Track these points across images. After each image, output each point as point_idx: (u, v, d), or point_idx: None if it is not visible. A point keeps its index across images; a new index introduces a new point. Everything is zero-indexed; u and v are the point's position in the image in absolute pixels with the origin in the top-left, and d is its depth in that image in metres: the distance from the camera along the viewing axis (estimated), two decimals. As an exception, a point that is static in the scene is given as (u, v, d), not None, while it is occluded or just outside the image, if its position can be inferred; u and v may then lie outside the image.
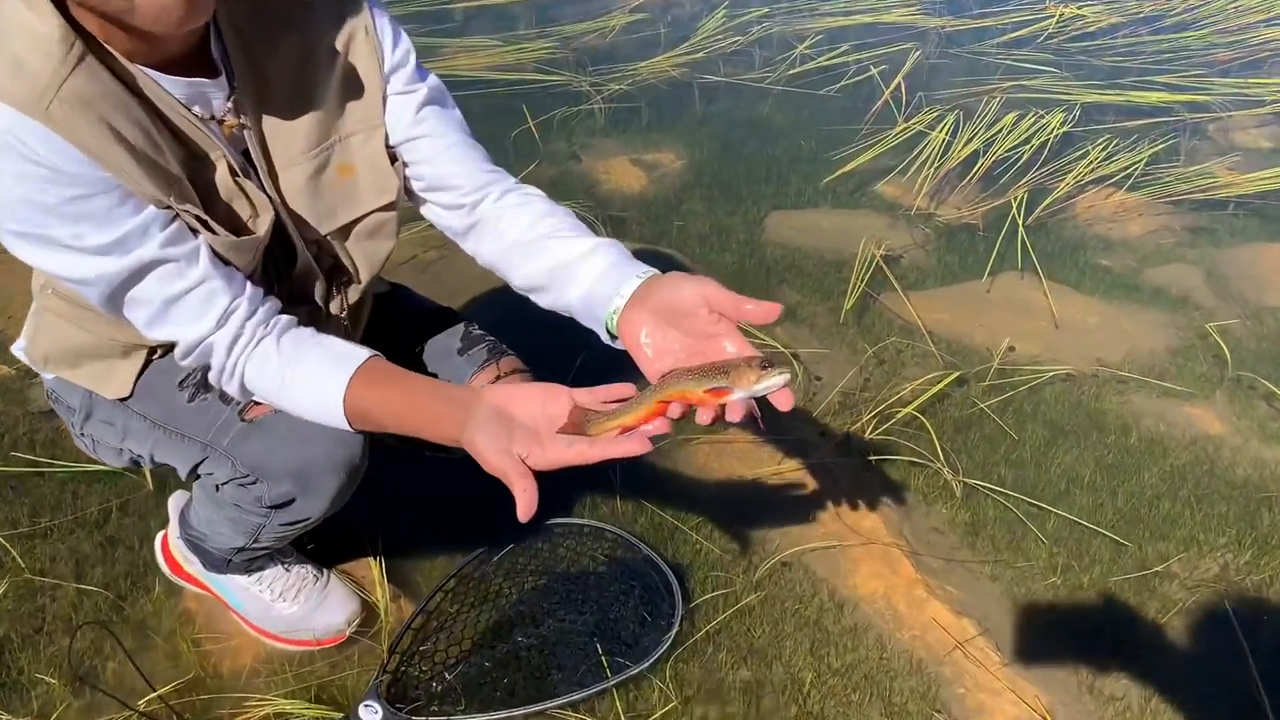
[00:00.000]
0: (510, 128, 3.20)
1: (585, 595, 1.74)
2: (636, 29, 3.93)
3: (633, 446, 1.06)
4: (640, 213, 2.87)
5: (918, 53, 3.75)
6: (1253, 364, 2.43)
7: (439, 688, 1.58)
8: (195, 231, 1.12)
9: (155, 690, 1.56)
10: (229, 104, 1.14)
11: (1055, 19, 4.02)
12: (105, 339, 1.32)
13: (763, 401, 1.02)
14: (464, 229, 1.34)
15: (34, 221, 1.03)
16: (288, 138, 1.21)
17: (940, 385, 2.23)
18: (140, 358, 1.35)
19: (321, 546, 1.74)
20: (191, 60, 1.11)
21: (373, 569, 1.72)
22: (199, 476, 1.39)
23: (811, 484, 1.99)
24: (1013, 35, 3.97)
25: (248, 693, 1.57)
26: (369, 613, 1.69)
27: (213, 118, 1.13)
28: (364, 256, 1.33)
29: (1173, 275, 2.76)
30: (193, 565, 1.69)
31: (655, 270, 1.17)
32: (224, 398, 1.31)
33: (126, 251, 1.07)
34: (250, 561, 1.60)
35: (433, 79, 1.30)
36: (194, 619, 1.68)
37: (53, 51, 1.00)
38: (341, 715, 1.54)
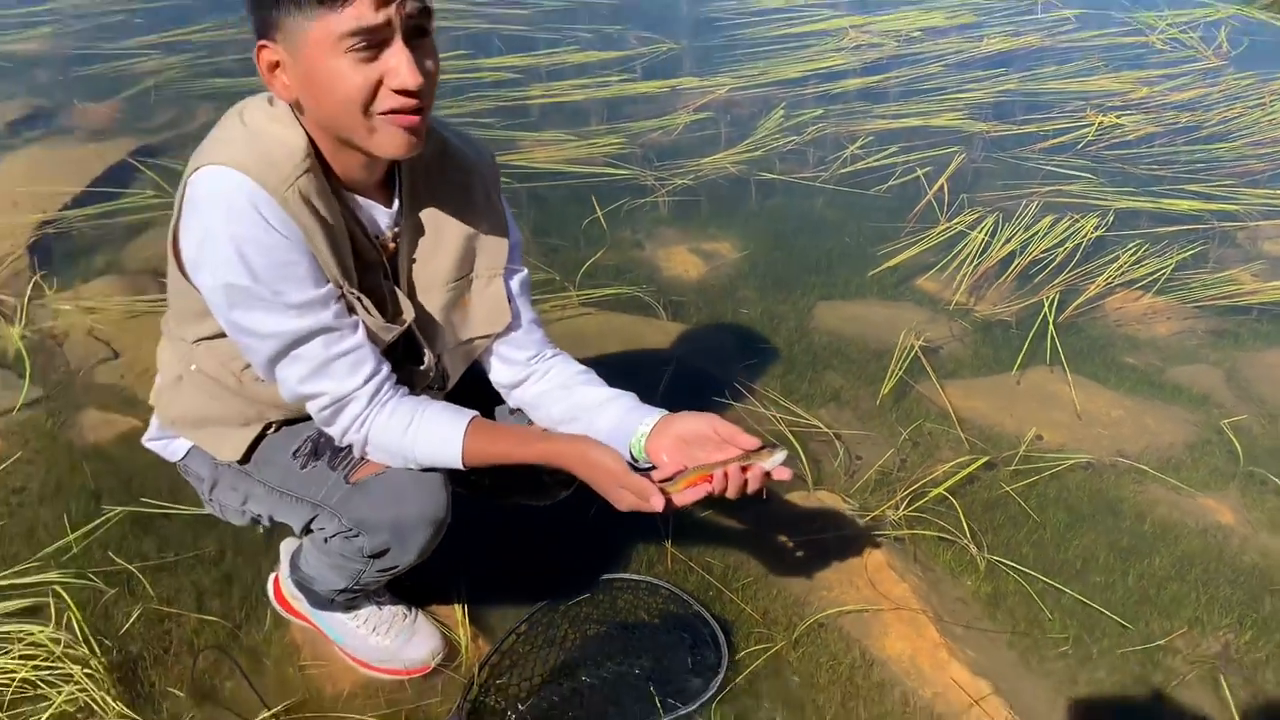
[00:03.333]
0: (581, 216, 3.49)
1: (641, 643, 1.96)
2: (699, 128, 4.22)
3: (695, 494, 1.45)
4: (698, 298, 3.13)
5: (962, 156, 4.00)
6: (1266, 461, 2.61)
7: (512, 716, 1.81)
8: (353, 311, 1.42)
9: (268, 708, 1.80)
10: (395, 229, 1.46)
11: (1094, 127, 4.26)
12: (232, 411, 1.60)
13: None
14: (510, 381, 1.71)
15: (248, 275, 1.34)
16: (433, 269, 1.55)
17: (970, 469, 2.44)
18: (254, 430, 1.62)
19: (412, 589, 1.98)
20: (374, 187, 1.45)
21: (456, 611, 1.96)
22: (311, 531, 1.65)
23: (848, 553, 2.20)
24: (1053, 141, 4.21)
25: (347, 713, 1.80)
26: (451, 648, 1.91)
27: (377, 236, 1.43)
28: (462, 362, 1.67)
29: (1195, 375, 2.95)
30: (300, 603, 1.93)
31: (666, 411, 1.56)
32: (331, 464, 1.58)
33: (309, 314, 1.39)
34: (350, 601, 1.84)
35: (526, 270, 1.69)
36: (300, 648, 1.92)
37: (294, 156, 1.34)
38: (428, 736, 1.77)
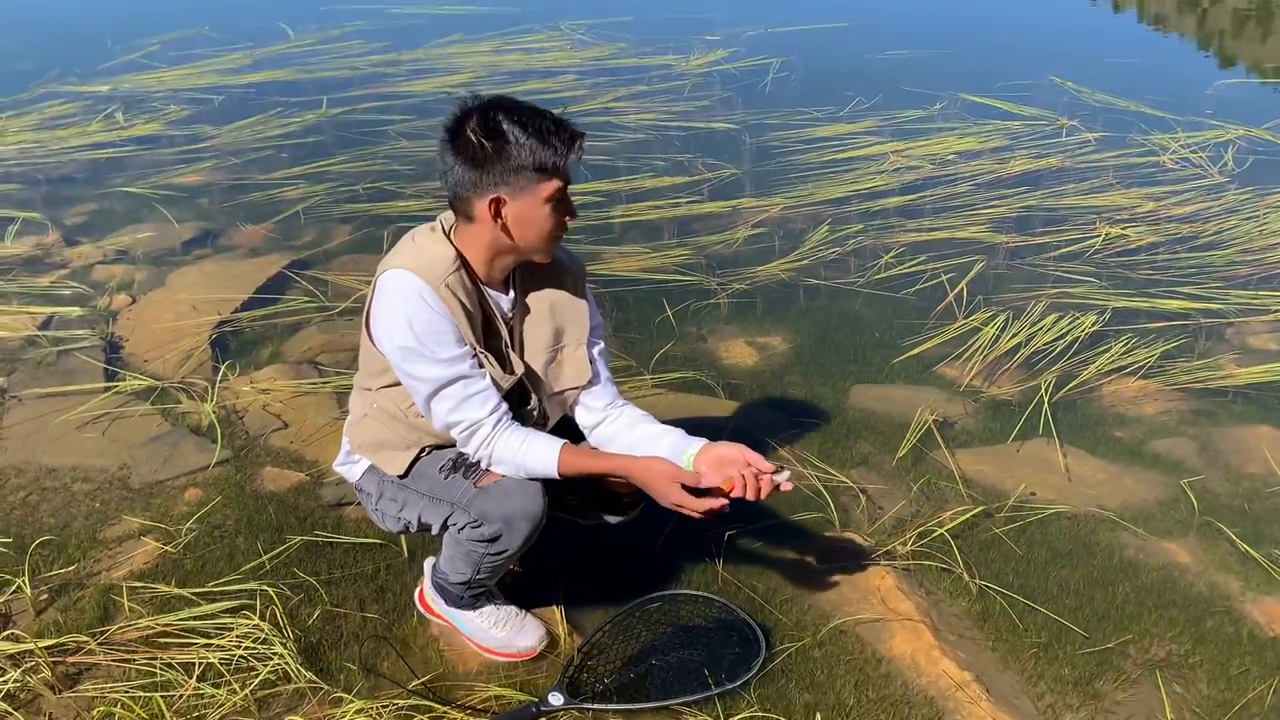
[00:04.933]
0: (654, 315, 4.15)
1: (699, 639, 2.52)
2: (756, 240, 4.87)
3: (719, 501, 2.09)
4: (752, 382, 3.75)
5: (982, 263, 4.59)
6: (1224, 515, 3.11)
7: (600, 688, 2.38)
8: (482, 365, 2.11)
9: (417, 678, 2.40)
10: (511, 311, 2.17)
11: (1102, 238, 4.82)
12: (399, 437, 2.26)
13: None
14: (591, 424, 2.38)
15: (415, 339, 2.03)
16: (537, 338, 2.26)
17: (969, 515, 2.99)
18: (414, 452, 2.27)
19: (523, 596, 2.58)
20: (499, 284, 2.18)
21: (556, 613, 2.56)
22: (448, 528, 2.27)
23: (865, 578, 2.76)
24: (1064, 250, 4.76)
25: (476, 683, 2.39)
26: (553, 640, 2.50)
27: (501, 315, 2.15)
28: (559, 409, 2.35)
29: (1172, 446, 3.46)
30: (438, 604, 2.52)
31: (709, 440, 2.23)
32: (465, 475, 2.21)
33: (453, 364, 2.08)
34: (475, 599, 2.45)
35: (604, 344, 2.37)
36: (437, 639, 2.52)
37: (447, 262, 2.08)
38: (537, 699, 2.34)
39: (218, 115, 6.52)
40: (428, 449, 2.27)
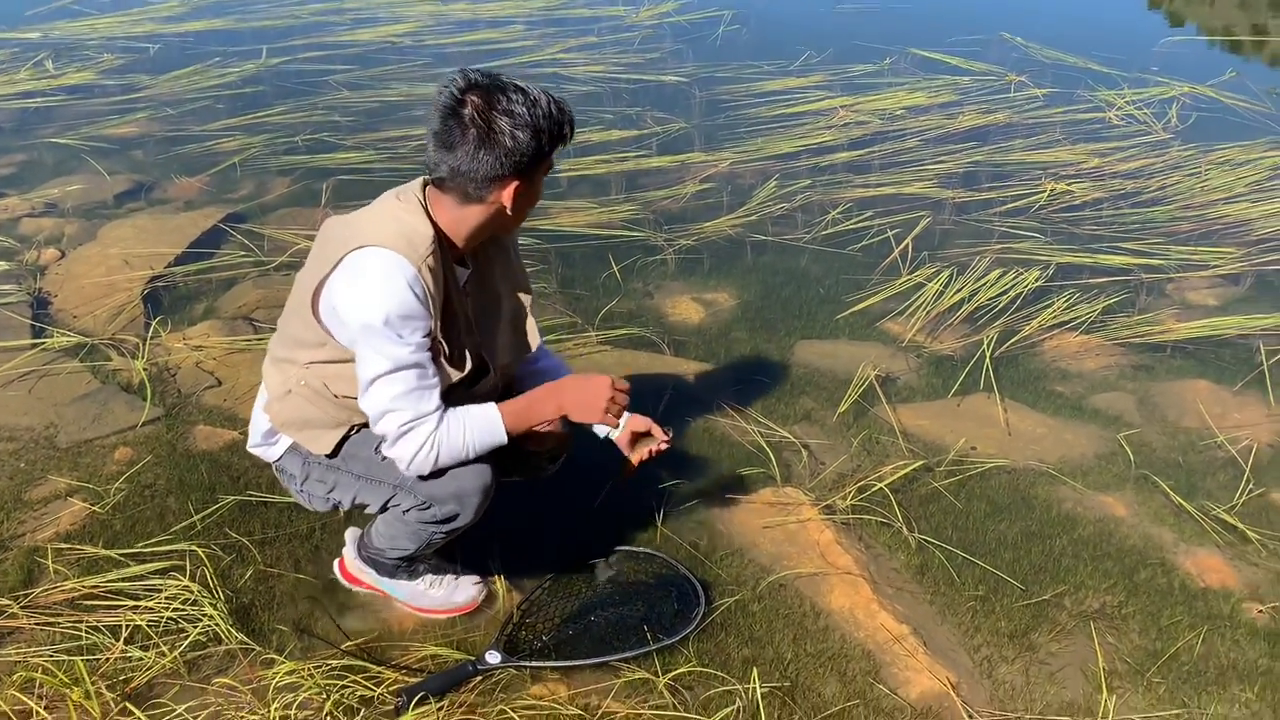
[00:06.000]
0: (600, 271, 4.10)
1: (639, 595, 2.51)
2: (704, 196, 4.83)
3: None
4: (697, 338, 3.72)
5: (928, 219, 4.59)
6: (1160, 469, 3.16)
7: (538, 645, 2.36)
8: (437, 358, 2.05)
9: (351, 639, 2.36)
10: (466, 285, 2.14)
11: (1047, 193, 4.84)
12: (328, 416, 2.17)
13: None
14: (522, 374, 2.39)
15: (389, 320, 1.93)
16: (492, 314, 2.24)
17: (909, 469, 3.00)
18: (341, 431, 2.19)
19: (461, 554, 2.55)
20: (462, 258, 2.13)
21: (495, 571, 2.53)
22: (388, 509, 2.22)
23: (805, 533, 2.76)
24: (1010, 205, 4.77)
25: (412, 642, 2.36)
26: (490, 595, 2.48)
27: (456, 290, 2.10)
28: (511, 375, 2.34)
29: (1111, 401, 3.50)
30: (367, 575, 2.46)
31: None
32: None
33: (418, 350, 1.99)
34: (411, 566, 2.41)
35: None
36: (374, 599, 2.49)
37: (428, 241, 1.99)
38: (474, 658, 2.32)
39: (153, 65, 6.31)
40: (356, 428, 2.20)
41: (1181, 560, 2.79)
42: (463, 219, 2.03)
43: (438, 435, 2.03)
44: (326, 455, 2.20)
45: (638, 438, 2.34)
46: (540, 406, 2.11)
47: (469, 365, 2.13)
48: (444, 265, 2.04)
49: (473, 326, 2.18)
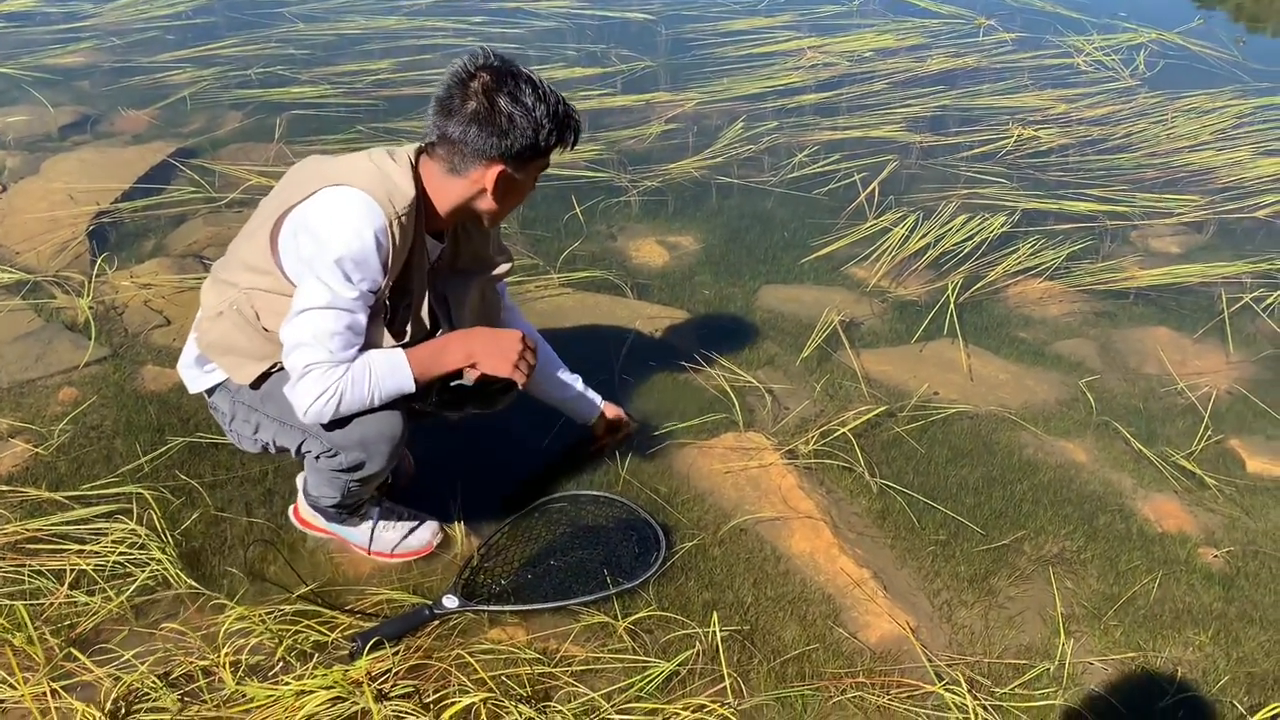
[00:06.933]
0: (563, 212, 4.02)
1: (599, 539, 2.49)
2: (669, 137, 4.75)
3: None
4: (662, 282, 3.66)
5: (895, 163, 4.54)
6: (1120, 415, 3.16)
7: (496, 589, 2.33)
8: (377, 316, 2.01)
9: (305, 584, 2.32)
10: (438, 259, 2.12)
11: (1014, 138, 4.81)
12: (254, 346, 2.07)
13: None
14: None
15: (342, 256, 1.88)
16: (456, 282, 2.21)
17: (871, 414, 2.98)
18: (265, 364, 2.10)
19: (417, 497, 2.50)
20: (436, 233, 2.11)
21: (454, 513, 2.49)
22: (303, 455, 2.16)
23: (767, 478, 2.74)
24: (978, 150, 4.74)
25: (368, 586, 2.32)
26: (448, 538, 2.44)
27: (427, 261, 2.08)
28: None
29: (1074, 347, 3.50)
30: (318, 519, 2.41)
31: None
32: None
33: (361, 298, 1.94)
34: (355, 509, 2.34)
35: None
36: (329, 543, 2.44)
37: (408, 200, 1.95)
38: (431, 602, 2.28)
39: (99, -8, 6.08)
40: (279, 365, 2.11)
41: (1140, 506, 2.80)
42: (445, 190, 2.01)
43: (341, 384, 1.96)
44: (250, 387, 2.13)
45: (610, 426, 2.66)
46: (450, 354, 2.07)
47: (408, 337, 2.10)
48: (417, 230, 2.02)
49: (429, 303, 2.15)
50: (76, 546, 2.32)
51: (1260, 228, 4.35)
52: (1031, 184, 4.49)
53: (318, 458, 2.12)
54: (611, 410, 2.71)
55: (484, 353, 2.05)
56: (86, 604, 2.19)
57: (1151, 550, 2.65)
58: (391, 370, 2.00)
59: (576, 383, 2.66)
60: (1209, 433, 3.10)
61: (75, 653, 2.07)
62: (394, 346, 2.06)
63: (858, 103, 5.20)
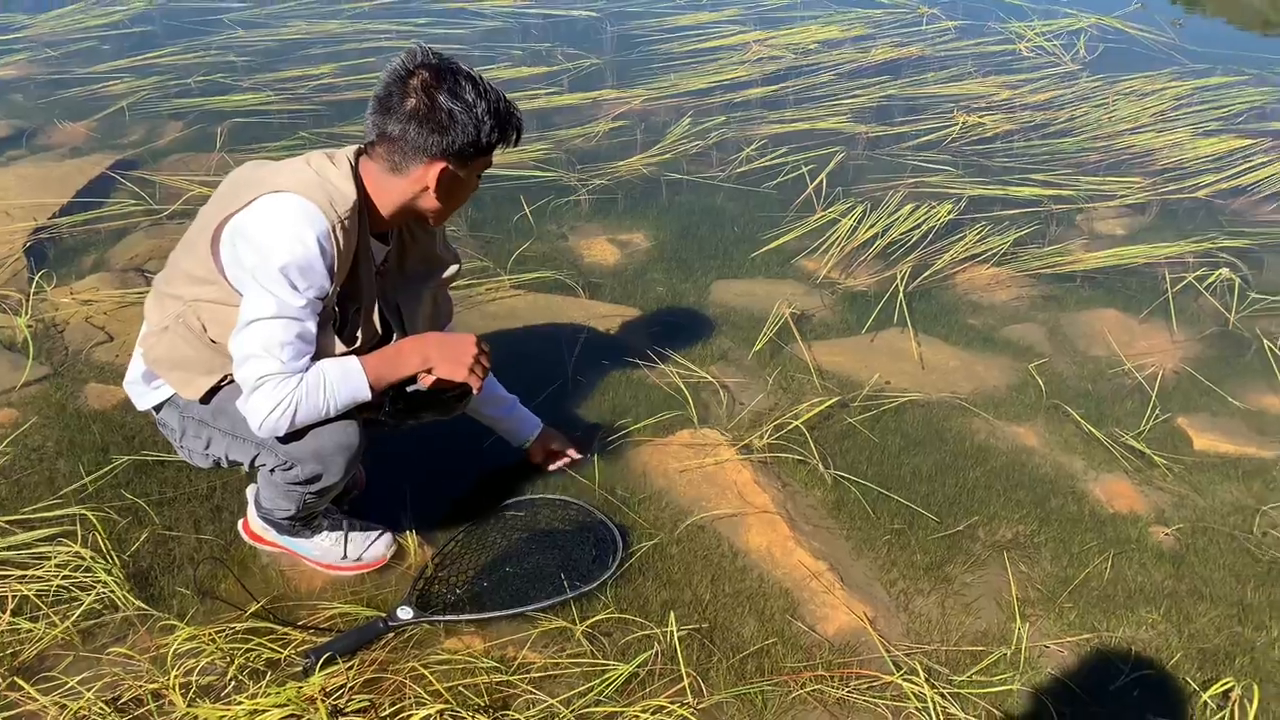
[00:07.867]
0: (512, 213, 4.00)
1: (555, 543, 2.47)
2: (617, 134, 4.73)
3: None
4: (614, 280, 3.65)
5: (842, 154, 4.56)
6: (1070, 398, 3.20)
7: (452, 599, 2.30)
8: (326, 325, 1.98)
9: (257, 601, 2.28)
10: (383, 262, 2.09)
11: (959, 126, 4.84)
12: (202, 359, 2.04)
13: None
14: None
15: (286, 264, 1.85)
16: (408, 288, 2.19)
17: (824, 406, 2.99)
18: (215, 379, 2.07)
19: (368, 509, 2.48)
20: (380, 235, 2.08)
21: (406, 525, 2.46)
22: (257, 468, 2.14)
23: (722, 474, 2.74)
24: (923, 139, 4.77)
25: (321, 601, 2.29)
26: (401, 550, 2.41)
27: (372, 264, 2.06)
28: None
29: (1023, 332, 3.54)
30: (269, 533, 2.37)
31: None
32: None
33: (308, 307, 1.90)
34: (309, 522, 2.31)
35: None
36: (279, 558, 2.40)
37: (349, 203, 1.92)
38: (385, 614, 2.26)
39: (32, 2, 5.96)
40: (229, 378, 2.07)
41: (1091, 487, 2.84)
42: (387, 190, 1.99)
43: (296, 394, 1.92)
44: (199, 402, 2.09)
45: (549, 453, 2.66)
46: (405, 359, 2.04)
47: (359, 342, 2.07)
48: (360, 233, 1.98)
49: (377, 306, 2.12)
50: (19, 572, 2.26)
51: (1200, 207, 4.42)
52: (977, 171, 4.53)
53: (273, 471, 2.09)
54: (554, 439, 2.67)
55: (439, 357, 2.03)
56: (30, 631, 2.13)
57: (1104, 531, 2.68)
58: (345, 378, 1.97)
59: (512, 403, 2.62)
60: (1156, 412, 3.14)
61: (19, 681, 2.02)
62: (346, 353, 2.03)
63: (804, 95, 5.22)
